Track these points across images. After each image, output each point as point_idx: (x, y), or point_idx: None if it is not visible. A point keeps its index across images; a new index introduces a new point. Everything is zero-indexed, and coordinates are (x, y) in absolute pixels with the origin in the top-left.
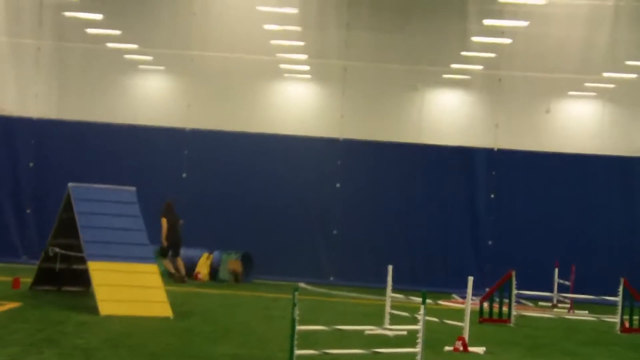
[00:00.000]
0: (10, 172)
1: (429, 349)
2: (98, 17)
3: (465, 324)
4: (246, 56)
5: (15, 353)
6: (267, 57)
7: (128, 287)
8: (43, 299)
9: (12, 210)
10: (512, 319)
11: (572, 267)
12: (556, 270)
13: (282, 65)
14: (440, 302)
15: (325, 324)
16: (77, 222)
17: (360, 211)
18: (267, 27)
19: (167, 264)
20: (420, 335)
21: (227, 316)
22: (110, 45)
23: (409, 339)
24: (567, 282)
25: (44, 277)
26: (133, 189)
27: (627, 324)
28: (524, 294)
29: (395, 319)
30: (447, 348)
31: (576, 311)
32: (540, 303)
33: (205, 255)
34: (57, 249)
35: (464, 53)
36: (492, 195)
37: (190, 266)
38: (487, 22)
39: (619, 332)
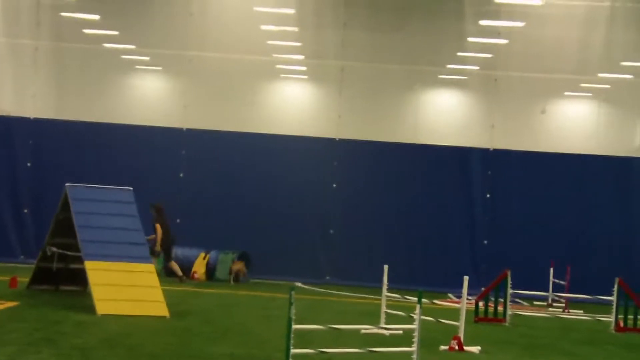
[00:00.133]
0: (8, 171)
1: (424, 348)
2: (95, 17)
3: (461, 324)
4: (243, 56)
5: (12, 352)
6: (265, 58)
7: (125, 287)
8: (40, 299)
9: (9, 210)
10: (508, 318)
11: (568, 267)
12: (551, 269)
13: (279, 66)
14: (436, 301)
15: (321, 323)
16: (75, 221)
17: (357, 211)
18: (264, 27)
19: (174, 265)
20: (416, 334)
21: (224, 316)
22: (107, 45)
23: (405, 338)
24: (562, 282)
25: (41, 277)
26: (130, 188)
27: (621, 323)
28: (520, 294)
29: (391, 318)
30: (442, 347)
31: (571, 310)
32: (536, 302)
33: (202, 255)
34: (54, 249)
35: (460, 53)
36: (488, 195)
37: (187, 266)
38: (483, 22)
39: (613, 332)
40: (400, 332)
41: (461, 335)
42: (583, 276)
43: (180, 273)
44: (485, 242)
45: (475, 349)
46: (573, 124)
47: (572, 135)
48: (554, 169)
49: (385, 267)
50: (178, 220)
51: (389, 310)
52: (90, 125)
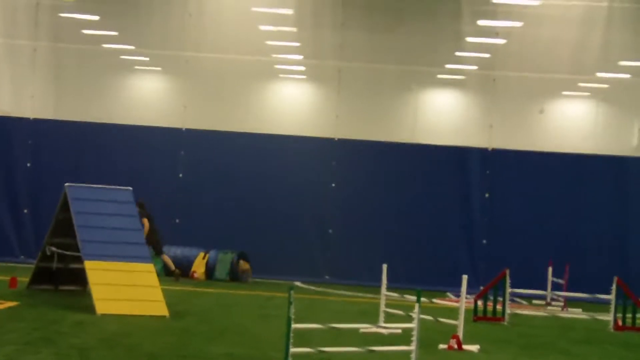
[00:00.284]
0: (7, 172)
1: (423, 347)
2: (94, 18)
3: (460, 323)
4: (242, 57)
5: (11, 352)
6: (263, 58)
7: (125, 287)
8: (40, 298)
9: (9, 210)
10: (506, 317)
11: (566, 266)
12: (550, 269)
13: (278, 66)
14: (435, 300)
15: (320, 323)
16: (74, 221)
17: (356, 211)
18: (262, 28)
19: (166, 258)
20: (414, 333)
21: (223, 315)
22: (106, 46)
23: (404, 337)
24: (560, 281)
25: (41, 277)
26: (130, 188)
27: (620, 322)
28: (518, 293)
29: (390, 318)
30: (441, 346)
31: (570, 309)
32: (534, 301)
33: (202, 254)
34: (54, 249)
35: (458, 53)
36: (487, 195)
37: (187, 265)
38: (481, 22)
39: (612, 330)
40: (399, 331)
41: (460, 334)
42: (581, 275)
43: (173, 267)
44: (484, 241)
45: (474, 347)
46: (571, 123)
47: (570, 134)
48: (552, 168)
49: (384, 266)
50: (177, 220)
51: (387, 310)
52: (89, 125)
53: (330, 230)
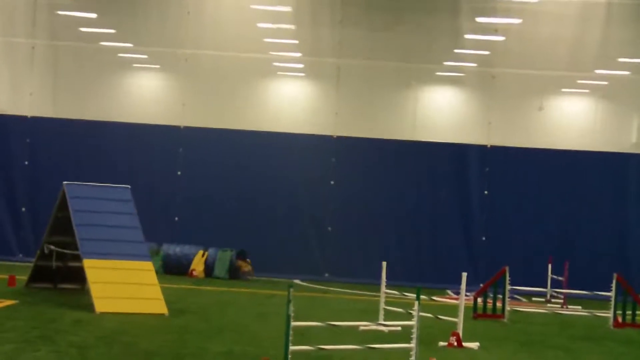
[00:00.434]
0: (5, 170)
1: (423, 344)
2: (92, 16)
3: (459, 320)
4: (240, 54)
5: (10, 350)
6: (261, 55)
7: (123, 285)
8: (38, 297)
9: (7, 208)
10: (506, 314)
11: (565, 263)
12: (549, 265)
13: (276, 63)
14: (435, 298)
15: (320, 320)
16: (73, 219)
17: (355, 208)
18: (260, 25)
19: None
20: (414, 330)
21: (221, 313)
22: (104, 44)
23: (404, 335)
24: (560, 278)
25: (39, 275)
26: (128, 186)
27: (619, 319)
28: (518, 290)
29: (389, 315)
30: (441, 343)
31: (569, 306)
32: (534, 299)
33: (201, 252)
34: (52, 247)
35: (457, 51)
36: (486, 192)
37: (186, 263)
38: (480, 19)
39: (611, 327)
40: (399, 328)
41: (460, 331)
42: (581, 272)
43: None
44: (484, 238)
45: (474, 345)
46: (570, 120)
47: (569, 132)
48: (551, 165)
49: (384, 263)
50: (176, 218)
51: (387, 307)
52: (87, 123)
53: (329, 228)
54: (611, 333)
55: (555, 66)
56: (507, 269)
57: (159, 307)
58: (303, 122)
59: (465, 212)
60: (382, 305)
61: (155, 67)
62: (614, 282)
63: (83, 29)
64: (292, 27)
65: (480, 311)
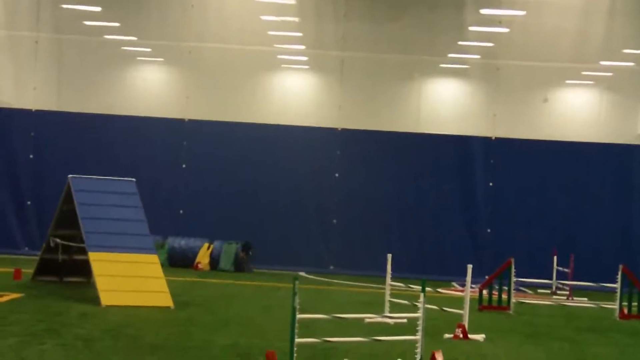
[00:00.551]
0: (10, 164)
1: (429, 336)
2: (96, 9)
3: (465, 312)
4: (244, 47)
5: (16, 343)
6: (265, 48)
7: (129, 278)
8: (44, 290)
9: (12, 202)
10: (512, 306)
11: (571, 255)
12: (555, 257)
13: (280, 56)
14: (440, 290)
15: (325, 313)
16: (78, 213)
17: (359, 201)
18: (264, 18)
19: None
20: (420, 323)
21: (227, 306)
22: (108, 37)
23: (409, 327)
24: (566, 270)
25: (45, 268)
26: (133, 180)
27: (625, 311)
28: (523, 282)
29: (395, 307)
30: (447, 335)
31: (575, 298)
32: (540, 290)
33: (206, 245)
34: (58, 240)
35: (461, 43)
36: (491, 184)
37: (191, 256)
38: (484, 11)
39: (617, 319)
40: (405, 320)
41: (465, 323)
42: (587, 263)
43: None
44: (488, 230)
45: (480, 337)
46: (575, 112)
47: (574, 123)
48: (556, 157)
49: (389, 256)
50: (181, 211)
51: (393, 299)
52: (91, 117)
53: (334, 221)
54: (617, 324)
55: (559, 58)
56: (512, 260)
57: (165, 300)
58: (307, 115)
59: (470, 205)
60: (388, 298)
61: (159, 60)
62: (620, 273)
63: (87, 23)
64: (296, 19)
65: (485, 303)
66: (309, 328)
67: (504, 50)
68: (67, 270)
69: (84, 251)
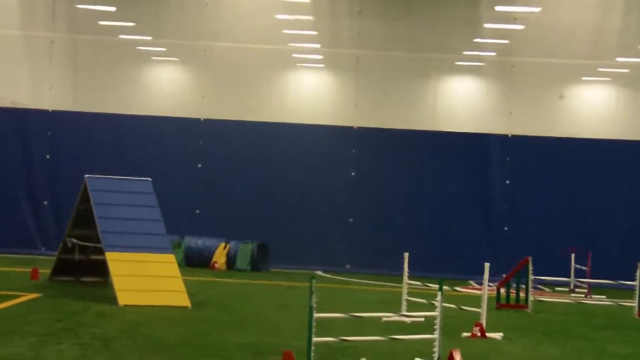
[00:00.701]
0: (26, 164)
1: (446, 335)
2: (111, 9)
3: (483, 310)
4: (259, 46)
5: (34, 343)
6: (280, 47)
7: (146, 277)
8: (61, 290)
9: (29, 202)
10: (529, 304)
11: (589, 253)
12: (572, 255)
13: (295, 55)
14: (457, 288)
15: (342, 312)
16: (94, 213)
17: (376, 199)
18: (279, 16)
19: None
20: (437, 321)
21: (243, 305)
22: (123, 37)
23: (426, 326)
24: (584, 267)
25: (62, 268)
26: (149, 179)
27: None
28: (541, 280)
29: (412, 306)
30: (464, 334)
31: (594, 296)
32: (558, 288)
33: (222, 245)
34: (74, 240)
35: (476, 40)
36: (507, 182)
37: (208, 256)
38: (499, 8)
39: (636, 317)
40: (422, 319)
41: (483, 321)
42: (605, 261)
43: None
44: (506, 228)
45: (498, 335)
46: (591, 109)
47: (590, 120)
48: (572, 154)
49: (406, 254)
50: (197, 211)
51: (410, 298)
52: (107, 116)
53: (350, 219)
54: (635, 322)
55: (575, 54)
56: (530, 259)
57: (181, 299)
58: (323, 114)
59: (487, 202)
60: (405, 296)
61: (174, 60)
62: (638, 270)
63: (102, 22)
64: (311, 18)
65: (503, 301)
66: (325, 327)
67: (520, 47)
68: (84, 270)
69: (100, 251)
